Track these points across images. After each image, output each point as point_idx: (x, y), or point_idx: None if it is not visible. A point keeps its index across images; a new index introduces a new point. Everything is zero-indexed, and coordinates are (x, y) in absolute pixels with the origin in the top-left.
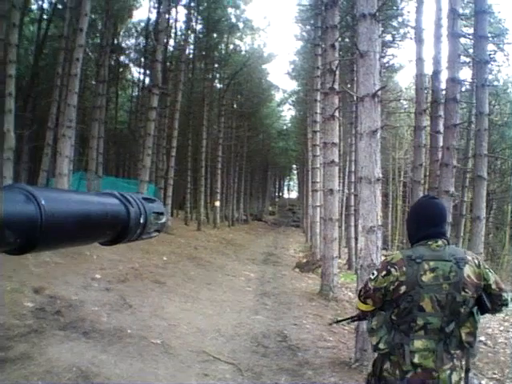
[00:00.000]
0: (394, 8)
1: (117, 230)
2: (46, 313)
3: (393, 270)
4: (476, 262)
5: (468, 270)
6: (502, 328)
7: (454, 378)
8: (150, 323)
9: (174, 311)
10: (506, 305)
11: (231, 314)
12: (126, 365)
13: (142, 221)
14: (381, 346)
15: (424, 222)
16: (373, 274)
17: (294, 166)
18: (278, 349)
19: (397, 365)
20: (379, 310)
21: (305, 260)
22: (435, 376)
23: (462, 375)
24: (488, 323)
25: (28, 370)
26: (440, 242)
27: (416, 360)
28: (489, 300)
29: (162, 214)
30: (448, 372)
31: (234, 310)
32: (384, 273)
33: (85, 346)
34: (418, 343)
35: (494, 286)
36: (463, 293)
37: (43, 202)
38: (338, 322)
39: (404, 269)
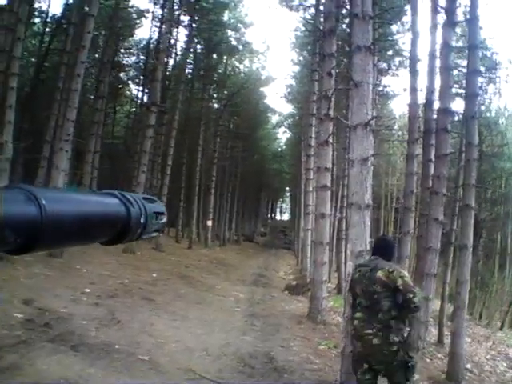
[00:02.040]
0: (390, 39)
1: (117, 229)
2: (35, 324)
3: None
4: (390, 270)
5: (380, 274)
6: (488, 356)
7: (375, 341)
8: (138, 339)
9: (162, 328)
10: (411, 302)
11: (219, 334)
12: (113, 379)
13: (142, 221)
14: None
15: (373, 248)
16: None
17: (288, 188)
18: (264, 370)
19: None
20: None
21: (295, 283)
22: (361, 335)
23: (386, 341)
24: (475, 351)
25: (16, 380)
26: (372, 257)
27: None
28: (400, 297)
29: (162, 213)
30: (370, 336)
31: (223, 330)
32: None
33: (73, 359)
34: (357, 314)
35: (400, 288)
36: (374, 286)
37: (44, 202)
38: None
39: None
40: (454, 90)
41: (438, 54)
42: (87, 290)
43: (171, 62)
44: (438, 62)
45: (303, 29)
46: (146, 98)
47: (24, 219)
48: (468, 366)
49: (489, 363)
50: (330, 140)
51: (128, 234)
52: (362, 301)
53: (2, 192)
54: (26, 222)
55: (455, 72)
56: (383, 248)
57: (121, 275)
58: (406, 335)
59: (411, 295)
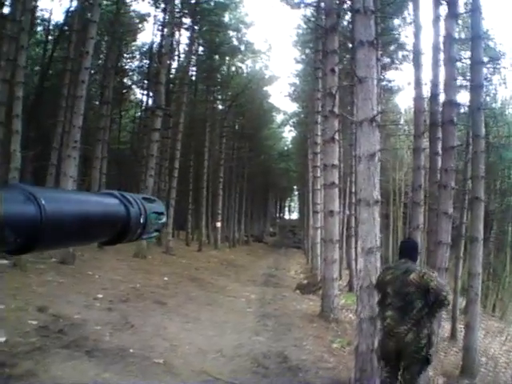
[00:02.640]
0: (392, 33)
1: (117, 229)
2: (49, 331)
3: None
4: (422, 273)
5: (413, 276)
6: (503, 349)
7: (408, 337)
8: (152, 343)
9: (175, 331)
10: (443, 302)
11: (232, 335)
12: (128, 383)
13: (142, 221)
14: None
15: (399, 250)
16: None
17: (295, 187)
18: (278, 370)
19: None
20: None
21: (305, 281)
22: (395, 332)
23: (418, 336)
24: (489, 345)
25: None
26: (402, 260)
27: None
28: (432, 297)
29: (162, 213)
30: (404, 333)
31: (235, 331)
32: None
33: (88, 365)
34: (388, 313)
35: (433, 289)
36: (407, 288)
37: (43, 202)
38: None
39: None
40: (458, 82)
41: (441, 46)
42: (100, 296)
43: (174, 64)
44: (441, 55)
45: (305, 26)
46: (150, 102)
47: (23, 219)
48: (483, 359)
49: (503, 356)
50: (336, 137)
51: (128, 233)
52: (395, 301)
53: (1, 192)
54: (25, 221)
55: (459, 64)
56: (410, 250)
57: (132, 280)
58: (430, 332)
59: (444, 294)
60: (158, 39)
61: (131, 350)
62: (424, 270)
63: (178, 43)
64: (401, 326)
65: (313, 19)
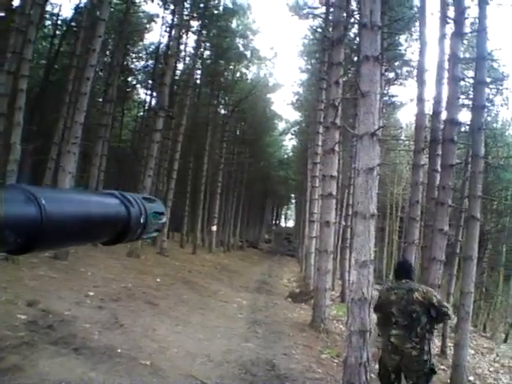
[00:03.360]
0: (398, 49)
1: (117, 229)
2: (38, 326)
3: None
4: (424, 291)
5: (417, 295)
6: (491, 369)
7: (414, 353)
8: (141, 344)
9: (164, 333)
10: (446, 314)
11: (221, 340)
12: (114, 383)
13: (142, 221)
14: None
15: (397, 271)
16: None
17: (293, 195)
18: (266, 377)
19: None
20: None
21: (298, 290)
22: (402, 349)
23: (422, 352)
24: (478, 363)
25: (18, 381)
26: (404, 281)
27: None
28: (435, 311)
29: (162, 213)
30: (410, 350)
31: (225, 336)
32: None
33: (75, 362)
34: (394, 332)
35: (436, 304)
36: (412, 306)
37: (43, 202)
38: None
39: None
40: (461, 101)
41: (445, 64)
42: (91, 293)
43: (180, 66)
44: (445, 73)
45: (312, 37)
46: (153, 103)
47: (24, 219)
48: (471, 378)
49: (492, 376)
50: (336, 148)
51: (128, 233)
52: (400, 320)
53: (1, 192)
54: (25, 221)
55: (462, 83)
56: (408, 271)
57: (125, 279)
58: (430, 346)
59: (446, 309)
60: (165, 40)
61: (119, 350)
62: (425, 288)
63: (185, 46)
64: (407, 344)
65: (320, 30)
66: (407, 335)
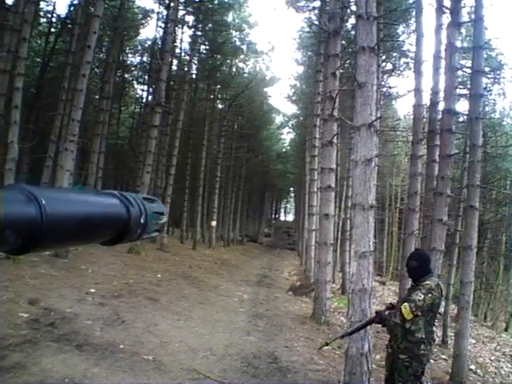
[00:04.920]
0: (395, 40)
1: (117, 229)
2: (40, 324)
3: (433, 292)
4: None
5: None
6: (492, 357)
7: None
8: (143, 339)
9: (166, 328)
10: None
11: (223, 334)
12: (117, 379)
13: (142, 221)
14: (422, 335)
15: (429, 263)
16: (420, 297)
17: (292, 188)
18: (268, 370)
19: (429, 344)
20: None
21: (298, 283)
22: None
23: None
24: (479, 352)
25: (22, 379)
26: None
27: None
28: None
29: (162, 213)
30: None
31: (226, 330)
32: (429, 295)
33: (77, 359)
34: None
35: None
36: None
37: (44, 202)
38: (327, 344)
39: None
40: (458, 91)
41: (442, 54)
42: (92, 290)
43: (176, 62)
44: (442, 63)
45: (308, 29)
46: (150, 98)
47: (24, 219)
48: (472, 367)
49: (493, 364)
50: (335, 140)
51: (128, 234)
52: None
53: (2, 192)
54: (26, 222)
55: (460, 73)
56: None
57: (125, 275)
58: None
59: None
60: (160, 35)
61: (121, 346)
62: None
63: (181, 41)
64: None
65: (316, 23)
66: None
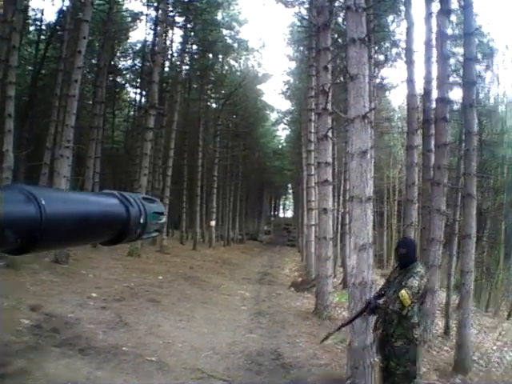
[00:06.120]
0: (385, 30)
1: (117, 230)
2: (42, 330)
3: (424, 278)
4: None
5: None
6: (495, 346)
7: None
8: (146, 341)
9: (169, 329)
10: None
11: (226, 333)
12: (121, 381)
13: (142, 221)
14: (416, 320)
15: (416, 250)
16: (415, 283)
17: (290, 185)
18: (271, 366)
19: (420, 328)
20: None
21: (300, 279)
22: None
23: None
24: (482, 342)
25: None
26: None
27: None
28: None
29: (162, 213)
30: None
31: (229, 329)
32: (422, 281)
33: (81, 363)
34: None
35: None
36: None
37: (43, 202)
38: (327, 337)
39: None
40: (451, 79)
41: (433, 42)
42: (93, 295)
43: (167, 63)
44: (434, 52)
45: (298, 24)
46: (143, 101)
47: (24, 219)
48: (475, 357)
49: (496, 353)
50: (330, 134)
51: (127, 234)
52: None
53: (1, 192)
54: (25, 222)
55: (452, 61)
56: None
57: (126, 278)
58: None
59: None
60: (150, 38)
61: (124, 348)
62: None
63: (171, 42)
64: None
65: (306, 17)
66: None
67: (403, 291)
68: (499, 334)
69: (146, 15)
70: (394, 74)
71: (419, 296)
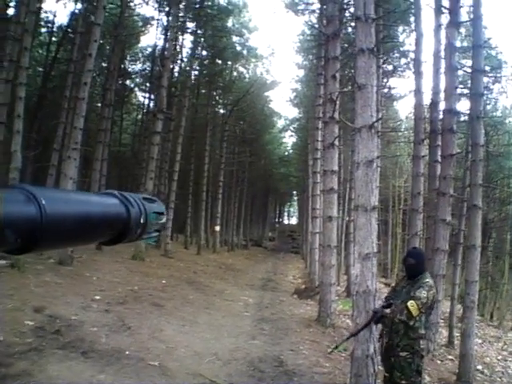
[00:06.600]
0: (394, 41)
1: (117, 230)
2: (45, 332)
3: (433, 289)
4: None
5: None
6: (499, 357)
7: None
8: (148, 345)
9: (171, 334)
10: None
11: (229, 339)
12: None
13: (142, 221)
14: (422, 331)
15: (425, 261)
16: (424, 294)
17: (295, 192)
18: (274, 373)
19: (426, 339)
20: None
21: (303, 286)
22: None
23: None
24: (486, 352)
25: None
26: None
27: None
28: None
29: (162, 214)
30: None
31: (232, 335)
32: (431, 292)
33: (83, 366)
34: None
35: None
36: None
37: (44, 202)
38: (336, 347)
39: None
40: (459, 91)
41: (442, 54)
42: (97, 297)
43: (177, 68)
44: (442, 63)
45: (308, 32)
46: (152, 105)
47: (24, 219)
48: (479, 367)
49: (500, 364)
50: (336, 143)
51: (128, 234)
52: None
53: (2, 192)
54: (26, 221)
55: (460, 72)
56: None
57: (130, 282)
58: None
59: None
60: (161, 42)
61: (127, 352)
62: None
63: (181, 47)
64: None
65: (316, 26)
66: None
67: (412, 301)
68: (503, 344)
69: (157, 20)
70: (402, 84)
71: (427, 307)
